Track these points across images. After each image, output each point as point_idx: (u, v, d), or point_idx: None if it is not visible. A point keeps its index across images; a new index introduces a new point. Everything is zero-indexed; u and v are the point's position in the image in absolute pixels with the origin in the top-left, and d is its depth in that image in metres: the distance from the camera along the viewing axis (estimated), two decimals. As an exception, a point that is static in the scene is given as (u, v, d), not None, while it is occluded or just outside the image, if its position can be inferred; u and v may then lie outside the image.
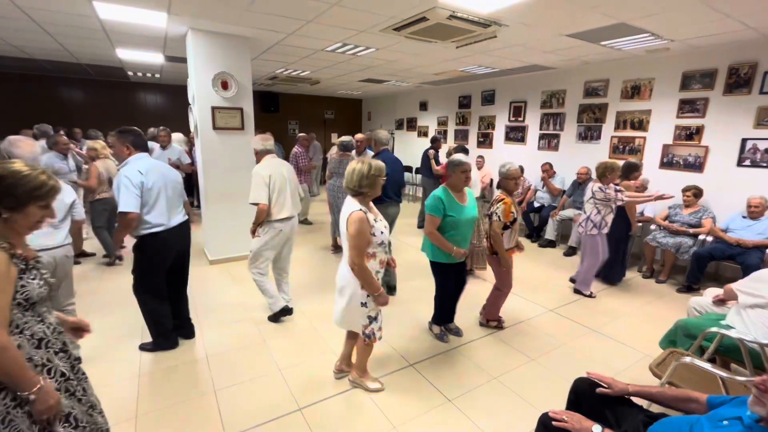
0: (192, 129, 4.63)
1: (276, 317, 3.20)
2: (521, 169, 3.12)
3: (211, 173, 4.39)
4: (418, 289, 3.85)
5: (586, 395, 1.64)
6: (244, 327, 3.13)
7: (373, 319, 2.19)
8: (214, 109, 4.26)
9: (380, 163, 2.10)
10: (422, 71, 6.47)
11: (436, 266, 2.83)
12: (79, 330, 1.48)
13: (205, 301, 3.55)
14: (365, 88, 9.17)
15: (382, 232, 2.08)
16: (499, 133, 7.28)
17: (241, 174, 4.44)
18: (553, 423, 1.40)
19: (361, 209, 2.01)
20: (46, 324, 1.25)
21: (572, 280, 4.14)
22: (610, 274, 4.15)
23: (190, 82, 4.36)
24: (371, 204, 2.17)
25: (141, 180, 2.34)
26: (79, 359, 1.40)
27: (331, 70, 6.65)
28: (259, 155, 3.09)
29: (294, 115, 10.92)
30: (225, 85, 4.28)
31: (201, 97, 4.20)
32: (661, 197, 3.74)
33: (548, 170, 5.91)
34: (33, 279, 1.21)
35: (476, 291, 3.95)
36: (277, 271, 3.27)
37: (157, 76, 7.62)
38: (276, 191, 2.94)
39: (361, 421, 2.14)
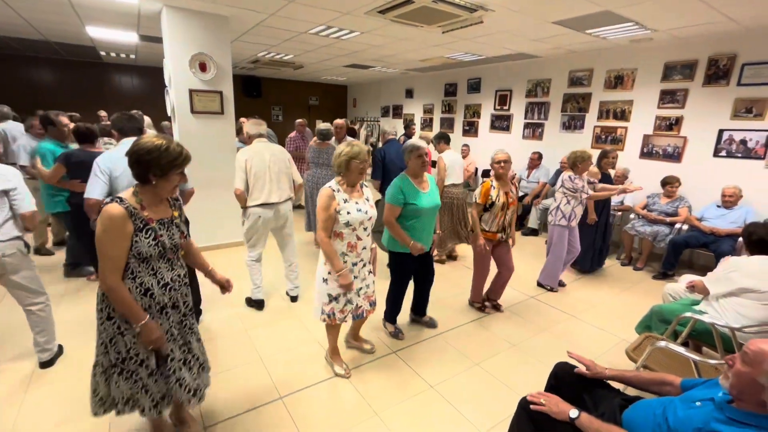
0: (169, 112, 4.45)
1: (249, 302, 3.22)
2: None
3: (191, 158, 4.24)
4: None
5: (565, 380, 1.67)
6: (226, 316, 3.07)
7: (333, 299, 2.22)
8: (192, 92, 4.10)
9: (359, 149, 2.12)
10: (408, 57, 6.38)
11: (393, 257, 2.70)
12: (223, 287, 1.81)
13: (185, 290, 3.47)
14: (350, 74, 9.01)
15: (349, 213, 2.11)
16: (484, 122, 7.27)
17: (222, 159, 4.32)
18: (531, 407, 1.41)
19: (331, 187, 2.13)
20: (158, 278, 1.51)
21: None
22: (583, 261, 4.12)
23: (166, 63, 4.17)
24: (359, 187, 2.23)
25: (109, 167, 2.24)
26: (191, 315, 1.70)
27: (315, 54, 6.49)
28: (250, 140, 3.04)
29: (277, 100, 10.66)
30: (203, 67, 4.11)
31: (178, 79, 4.03)
32: (624, 191, 3.80)
33: (535, 160, 5.93)
34: (147, 238, 1.44)
35: (459, 276, 3.98)
36: (284, 259, 3.28)
37: (132, 57, 7.29)
38: (253, 176, 2.86)
39: (343, 409, 2.13)
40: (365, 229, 2.21)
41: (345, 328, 2.68)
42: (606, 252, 4.32)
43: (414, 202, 2.52)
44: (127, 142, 2.27)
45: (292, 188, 3.12)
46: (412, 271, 2.79)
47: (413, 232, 2.56)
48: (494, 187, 2.96)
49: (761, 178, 4.03)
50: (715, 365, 1.71)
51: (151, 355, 1.54)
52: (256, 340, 2.76)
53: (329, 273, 2.18)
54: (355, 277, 2.25)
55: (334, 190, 2.12)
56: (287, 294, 3.37)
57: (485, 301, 3.35)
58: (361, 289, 2.31)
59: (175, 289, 1.58)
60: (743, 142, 4.14)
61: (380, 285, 3.12)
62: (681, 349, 1.77)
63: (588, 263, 4.18)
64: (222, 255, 4.31)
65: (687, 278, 2.95)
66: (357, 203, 2.16)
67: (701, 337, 2.24)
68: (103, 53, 7.04)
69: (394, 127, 3.99)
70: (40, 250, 4.15)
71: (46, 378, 2.28)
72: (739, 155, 4.18)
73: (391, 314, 2.88)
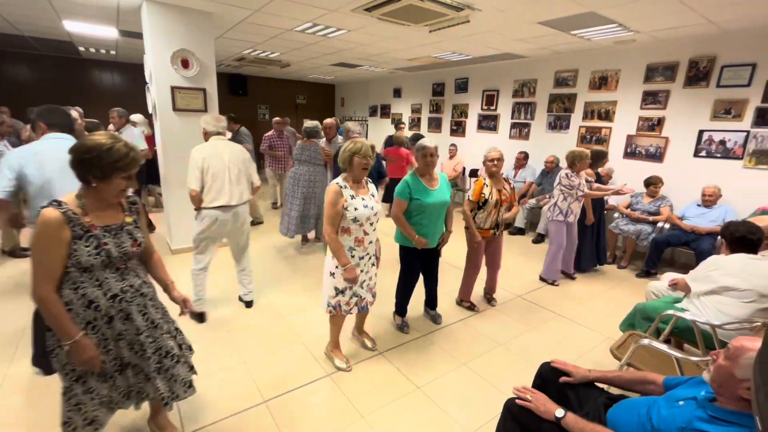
0: (150, 110, 4.34)
1: (193, 315, 3.06)
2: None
3: (172, 157, 4.14)
4: (394, 278, 3.82)
5: (550, 379, 1.67)
6: (208, 319, 2.99)
7: (339, 292, 2.27)
8: (174, 89, 3.99)
9: (362, 144, 2.14)
10: (396, 56, 6.35)
11: (401, 251, 2.81)
12: (181, 307, 1.66)
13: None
14: (338, 73, 8.94)
15: (356, 209, 2.14)
16: (471, 122, 7.30)
17: (205, 159, 4.22)
18: (517, 401, 1.40)
19: (337, 183, 2.16)
20: (104, 289, 1.38)
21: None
22: (582, 262, 4.19)
23: (146, 59, 4.06)
24: (364, 182, 2.28)
25: (21, 162, 1.97)
26: (156, 327, 1.55)
27: (301, 53, 6.41)
28: (207, 136, 2.84)
29: (264, 99, 10.52)
30: (186, 64, 4.01)
31: (159, 76, 3.92)
32: (618, 192, 3.87)
33: (521, 159, 5.97)
34: (87, 246, 1.32)
35: (442, 275, 3.98)
36: (237, 263, 3.10)
37: (113, 53, 7.10)
38: (210, 176, 2.69)
39: (328, 412, 2.10)
40: (371, 224, 2.25)
41: (348, 325, 2.66)
42: (604, 251, 4.37)
43: (419, 198, 2.60)
44: (52, 138, 2.08)
45: (250, 190, 2.98)
46: (419, 265, 2.84)
47: (419, 228, 2.65)
48: (487, 185, 3.02)
49: (739, 177, 4.13)
50: (696, 362, 1.73)
51: (88, 375, 1.43)
52: (240, 342, 2.70)
53: (336, 267, 2.21)
54: (362, 271, 2.29)
55: (341, 187, 2.15)
56: (240, 299, 3.22)
57: (463, 301, 3.36)
58: (364, 281, 2.35)
59: (128, 300, 1.45)
60: (722, 142, 4.24)
61: (388, 278, 3.14)
62: (663, 347, 1.79)
63: (588, 263, 4.24)
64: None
65: (669, 276, 3.00)
66: (363, 199, 2.19)
67: (683, 334, 2.27)
68: (82, 49, 6.83)
69: (360, 125, 4.00)
70: (14, 253, 4.00)
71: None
72: (719, 155, 4.28)
73: (399, 306, 2.96)
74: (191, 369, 1.72)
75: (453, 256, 4.33)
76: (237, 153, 2.85)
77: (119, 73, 8.40)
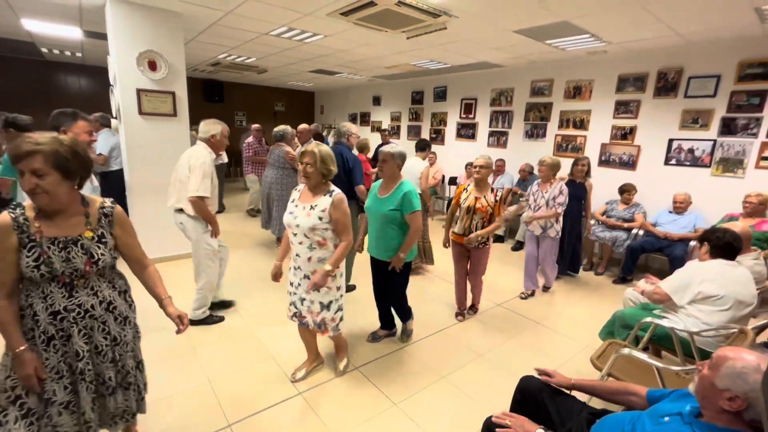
0: (114, 113, 4.12)
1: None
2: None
3: (138, 163, 3.93)
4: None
5: (531, 394, 1.59)
6: (171, 334, 2.78)
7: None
8: (140, 91, 3.80)
9: (304, 149, 2.06)
10: (374, 64, 6.32)
11: None
12: (177, 323, 1.56)
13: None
14: (317, 80, 8.86)
15: (288, 213, 2.11)
16: (450, 130, 7.33)
17: (174, 164, 4.02)
18: (497, 430, 1.31)
19: (296, 187, 2.22)
20: (47, 303, 1.28)
21: (545, 288, 3.98)
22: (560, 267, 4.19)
23: (110, 60, 3.86)
24: (321, 191, 2.09)
25: None
26: (103, 354, 1.41)
27: (278, 58, 6.29)
28: (219, 142, 2.91)
29: (241, 105, 10.30)
30: (153, 66, 3.83)
31: (124, 78, 3.73)
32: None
33: (501, 167, 5.98)
34: (29, 257, 1.23)
35: (423, 285, 3.90)
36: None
37: (79, 55, 6.78)
38: (212, 183, 2.73)
39: (298, 434, 1.96)
40: (295, 235, 2.09)
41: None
42: (578, 259, 4.38)
43: (367, 201, 2.63)
44: None
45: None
46: (374, 275, 2.74)
47: (369, 231, 2.64)
48: (467, 191, 3.03)
49: (707, 185, 4.25)
50: (677, 372, 1.69)
51: (27, 393, 1.31)
52: (204, 359, 2.52)
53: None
54: (290, 283, 2.23)
55: (297, 189, 2.19)
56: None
57: (469, 309, 3.36)
58: (296, 294, 2.21)
59: (71, 320, 1.31)
60: (691, 150, 4.36)
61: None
62: (644, 356, 1.75)
63: (562, 269, 4.25)
64: (174, 267, 4.00)
65: (641, 284, 3.01)
66: (297, 207, 2.10)
67: (661, 341, 2.25)
68: (45, 50, 6.50)
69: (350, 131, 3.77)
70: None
71: None
72: (688, 163, 4.40)
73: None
74: (136, 403, 1.58)
75: (442, 268, 4.26)
76: (192, 156, 2.67)
77: (86, 76, 8.05)
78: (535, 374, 1.61)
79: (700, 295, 2.02)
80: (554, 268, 3.84)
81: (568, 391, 1.58)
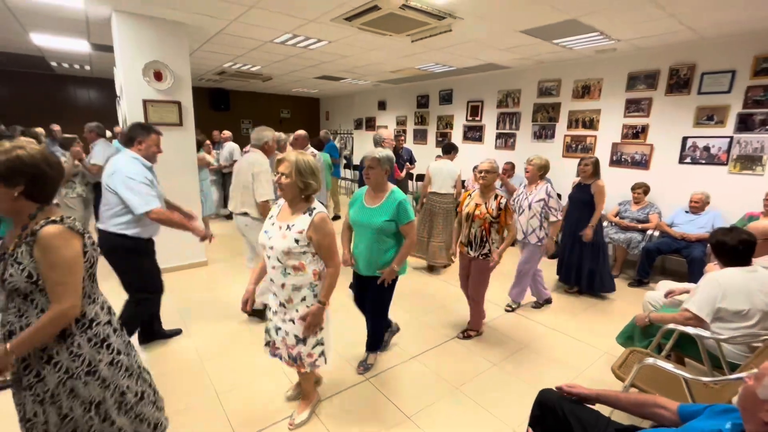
0: (120, 124, 4.14)
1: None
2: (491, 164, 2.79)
3: (145, 174, 3.93)
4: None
5: (550, 408, 1.51)
6: (179, 347, 2.76)
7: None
8: (146, 102, 3.81)
9: (283, 157, 1.78)
10: (379, 68, 6.30)
11: None
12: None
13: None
14: (322, 86, 8.87)
15: (264, 231, 1.84)
16: (457, 133, 7.26)
17: (180, 174, 4.03)
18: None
19: (275, 200, 2.09)
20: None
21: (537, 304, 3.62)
22: (601, 283, 3.72)
23: (117, 72, 3.89)
24: (302, 209, 1.79)
25: None
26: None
27: (283, 65, 6.30)
28: (270, 148, 3.09)
29: (247, 113, 10.37)
30: (159, 76, 3.84)
31: (130, 89, 3.74)
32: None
33: (508, 170, 5.89)
34: None
35: (435, 291, 3.82)
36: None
37: (87, 68, 6.88)
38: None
39: (308, 451, 1.89)
40: (268, 257, 1.79)
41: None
42: (602, 276, 3.70)
43: (350, 212, 2.39)
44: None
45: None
46: (356, 290, 2.55)
47: (353, 246, 2.41)
48: (471, 197, 2.85)
49: (725, 183, 4.11)
50: (705, 382, 1.60)
51: None
52: (213, 373, 2.47)
53: None
54: (276, 312, 1.90)
55: (277, 204, 1.94)
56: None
57: (461, 333, 3.02)
58: (272, 321, 1.93)
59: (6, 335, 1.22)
60: (706, 148, 4.24)
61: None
62: (670, 367, 1.65)
63: (606, 285, 3.76)
64: (181, 278, 3.98)
65: (665, 285, 2.90)
66: (273, 225, 1.81)
67: (684, 349, 2.14)
68: (54, 64, 6.60)
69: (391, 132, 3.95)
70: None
71: None
72: (703, 161, 4.27)
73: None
74: None
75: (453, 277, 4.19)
76: (246, 165, 2.97)
77: (95, 88, 8.17)
78: (562, 390, 1.52)
79: (722, 312, 1.88)
80: (538, 280, 3.50)
81: (590, 404, 1.49)
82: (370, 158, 2.22)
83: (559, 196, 3.83)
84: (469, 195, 2.88)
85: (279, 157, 1.77)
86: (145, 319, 2.62)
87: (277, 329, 1.90)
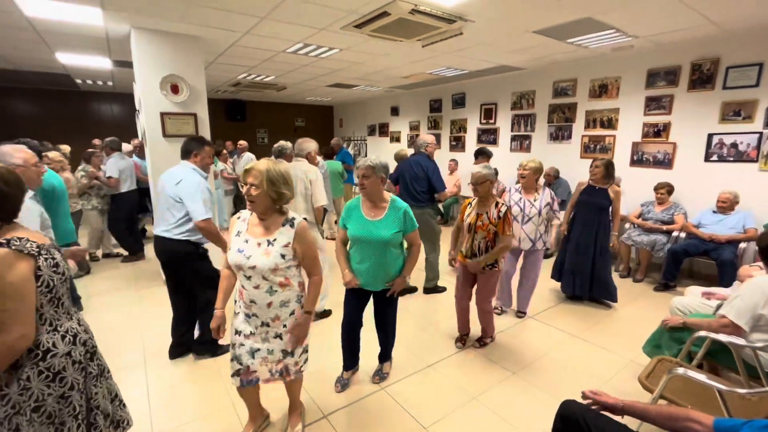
0: (140, 136, 4.26)
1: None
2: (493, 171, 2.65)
3: (163, 184, 4.02)
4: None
5: (574, 421, 1.44)
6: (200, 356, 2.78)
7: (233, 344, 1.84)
8: (163, 114, 3.90)
9: (250, 166, 1.64)
10: (390, 74, 6.31)
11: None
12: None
13: (160, 325, 3.18)
14: (335, 94, 8.95)
15: (235, 250, 1.65)
16: (471, 136, 7.19)
17: (197, 184, 4.11)
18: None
19: (241, 211, 1.82)
20: None
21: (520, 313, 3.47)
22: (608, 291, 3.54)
23: (136, 86, 4.01)
24: (277, 221, 1.69)
25: None
26: None
27: (296, 75, 6.39)
28: (312, 158, 3.27)
29: (262, 123, 10.56)
30: (175, 89, 3.94)
31: (148, 102, 3.85)
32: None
33: (551, 174, 5.61)
34: None
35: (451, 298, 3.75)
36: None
37: (110, 83, 7.14)
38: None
39: (323, 462, 1.86)
40: (248, 278, 1.65)
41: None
42: (610, 286, 3.53)
43: (349, 226, 2.18)
44: None
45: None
46: (353, 308, 2.30)
47: (352, 262, 2.22)
48: (471, 206, 2.71)
49: (756, 181, 3.92)
50: (744, 395, 1.49)
51: None
52: (228, 380, 2.47)
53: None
54: (252, 333, 1.74)
55: (237, 217, 1.75)
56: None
57: (464, 336, 2.94)
58: (243, 346, 1.75)
59: None
60: (734, 145, 4.05)
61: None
62: (703, 378, 1.55)
63: (571, 287, 3.62)
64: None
65: (692, 290, 2.76)
66: (247, 242, 1.65)
67: (717, 357, 2.02)
68: (79, 81, 6.88)
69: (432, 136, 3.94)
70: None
71: None
72: (731, 159, 4.08)
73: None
74: None
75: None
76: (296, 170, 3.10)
77: (118, 103, 8.47)
78: (578, 398, 1.45)
79: (763, 320, 1.76)
80: (531, 289, 3.38)
81: (616, 416, 1.41)
82: (365, 166, 2.07)
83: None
84: (469, 204, 2.75)
85: (247, 167, 1.64)
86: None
87: (254, 351, 1.74)
